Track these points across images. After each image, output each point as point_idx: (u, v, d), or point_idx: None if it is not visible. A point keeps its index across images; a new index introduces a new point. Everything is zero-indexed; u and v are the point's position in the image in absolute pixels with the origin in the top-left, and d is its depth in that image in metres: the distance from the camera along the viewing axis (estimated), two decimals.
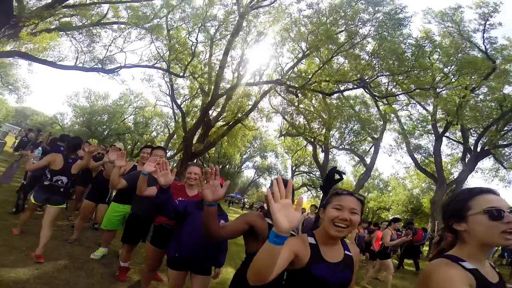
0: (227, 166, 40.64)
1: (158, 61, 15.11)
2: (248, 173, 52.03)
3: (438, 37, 15.80)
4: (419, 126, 19.11)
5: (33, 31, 12.30)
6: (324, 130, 20.06)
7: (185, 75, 14.84)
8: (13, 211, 4.77)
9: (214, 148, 25.85)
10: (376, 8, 12.63)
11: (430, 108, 18.41)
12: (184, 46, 14.84)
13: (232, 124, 15.18)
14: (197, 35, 14.59)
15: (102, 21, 14.26)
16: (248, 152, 42.75)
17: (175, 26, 15.09)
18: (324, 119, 18.83)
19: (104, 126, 37.10)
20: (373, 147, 22.24)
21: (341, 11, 12.69)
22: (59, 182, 3.46)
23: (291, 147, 29.06)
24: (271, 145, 38.59)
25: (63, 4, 12.22)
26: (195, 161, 16.32)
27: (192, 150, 13.77)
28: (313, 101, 20.35)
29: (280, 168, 41.39)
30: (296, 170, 35.68)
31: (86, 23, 14.14)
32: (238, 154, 35.55)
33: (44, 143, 7.31)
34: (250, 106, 16.86)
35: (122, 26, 14.94)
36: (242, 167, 45.53)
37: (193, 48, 14.86)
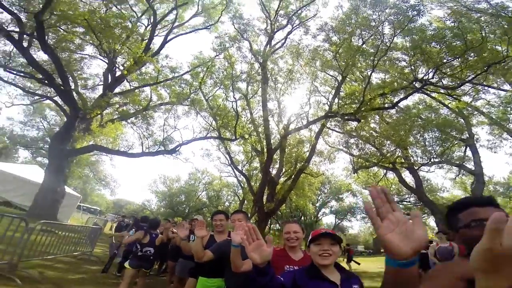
0: (302, 217, 38.54)
1: (209, 132, 16.05)
2: (328, 219, 48.34)
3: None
4: (509, 109, 15.12)
5: (101, 123, 14.35)
6: (399, 152, 17.30)
7: (236, 139, 15.16)
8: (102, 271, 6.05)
9: (283, 205, 24.89)
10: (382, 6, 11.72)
11: (507, 87, 14.77)
12: (225, 110, 15.56)
13: (296, 175, 14.28)
14: (233, 94, 15.14)
15: (150, 105, 15.91)
16: (321, 199, 40.04)
17: (211, 95, 16.14)
18: (394, 139, 16.36)
19: (184, 205, 40.74)
20: (467, 150, 18.12)
21: (352, 20, 12.03)
22: (148, 252, 4.39)
23: (368, 180, 25.83)
24: (344, 185, 35.36)
25: (113, 92, 14.30)
26: (268, 220, 15.46)
27: (264, 210, 13.11)
28: (372, 125, 18.48)
29: (361, 204, 36.79)
30: None
31: (138, 109, 16.01)
32: (310, 204, 33.37)
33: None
34: (307, 153, 16.25)
35: (168, 106, 16.65)
36: (319, 215, 42.65)
37: (234, 107, 15.24)
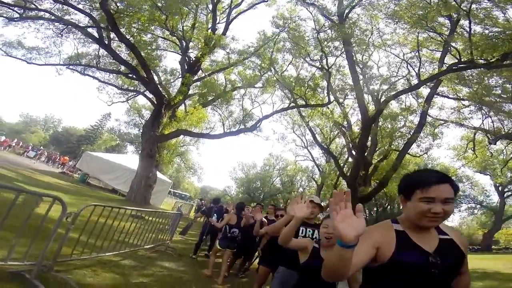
0: (388, 207, 33.15)
1: (291, 102, 14.27)
2: None
3: None
4: None
5: (186, 112, 14.35)
6: None
7: (329, 102, 12.99)
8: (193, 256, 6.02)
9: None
10: None
11: None
12: (303, 80, 13.44)
13: (403, 151, 11.05)
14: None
15: (226, 90, 15.18)
16: None
17: (285, 69, 14.20)
18: None
19: (259, 191, 41.14)
20: None
21: None
22: (235, 233, 4.70)
23: (489, 162, 19.54)
24: (448, 169, 28.30)
25: (194, 79, 13.84)
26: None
27: (358, 195, 10.54)
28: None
29: (475, 194, 28.99)
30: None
31: (215, 95, 15.37)
32: None
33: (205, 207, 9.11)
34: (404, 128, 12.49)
35: (242, 90, 15.60)
36: None
37: (322, 66, 12.65)
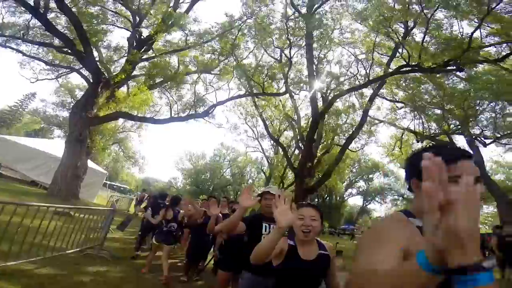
0: (327, 198, 36.28)
1: (247, 90, 13.81)
2: (354, 200, 45.62)
3: None
4: None
5: (128, 94, 12.78)
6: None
7: (286, 92, 13.00)
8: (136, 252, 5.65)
9: None
10: None
11: None
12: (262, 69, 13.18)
13: (345, 145, 11.82)
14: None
15: (178, 73, 13.99)
16: (347, 179, 37.13)
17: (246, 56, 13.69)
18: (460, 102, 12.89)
19: (209, 183, 39.93)
20: None
21: None
22: (172, 228, 4.52)
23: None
24: (377, 165, 32.05)
25: (142, 57, 12.59)
26: (307, 199, 13.36)
27: (303, 186, 10.95)
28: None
29: (398, 187, 33.63)
30: None
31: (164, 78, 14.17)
32: (343, 183, 30.83)
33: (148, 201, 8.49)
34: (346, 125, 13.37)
35: (195, 75, 14.67)
36: (345, 196, 39.96)
37: (284, 56, 12.58)
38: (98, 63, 11.85)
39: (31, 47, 13.82)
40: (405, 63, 9.62)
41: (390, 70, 10.21)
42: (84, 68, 12.42)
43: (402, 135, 16.77)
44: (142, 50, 12.86)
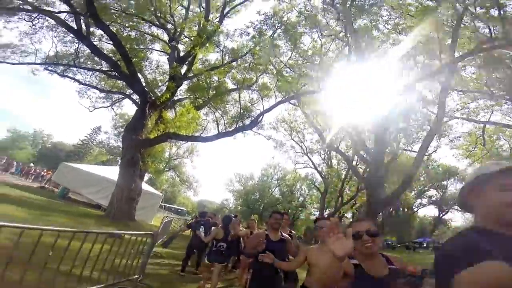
0: (393, 211, 31.67)
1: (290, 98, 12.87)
2: (426, 211, 39.54)
3: None
4: None
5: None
6: None
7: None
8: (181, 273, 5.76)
9: None
10: None
11: None
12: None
13: (424, 146, 9.53)
14: None
15: (219, 91, 13.75)
16: (415, 189, 32.01)
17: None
18: None
19: (259, 202, 39.25)
20: None
21: None
22: (221, 247, 4.49)
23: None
24: (449, 169, 27.00)
25: (183, 72, 12.47)
26: (377, 214, 11.04)
27: (375, 199, 8.93)
28: None
29: None
30: None
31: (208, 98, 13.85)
32: (411, 193, 26.53)
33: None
34: None
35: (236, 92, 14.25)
36: (414, 207, 34.67)
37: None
38: (144, 85, 12.32)
39: (85, 75, 14.50)
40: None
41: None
42: (132, 91, 12.89)
43: (483, 131, 13.49)
44: (183, 69, 13.06)
